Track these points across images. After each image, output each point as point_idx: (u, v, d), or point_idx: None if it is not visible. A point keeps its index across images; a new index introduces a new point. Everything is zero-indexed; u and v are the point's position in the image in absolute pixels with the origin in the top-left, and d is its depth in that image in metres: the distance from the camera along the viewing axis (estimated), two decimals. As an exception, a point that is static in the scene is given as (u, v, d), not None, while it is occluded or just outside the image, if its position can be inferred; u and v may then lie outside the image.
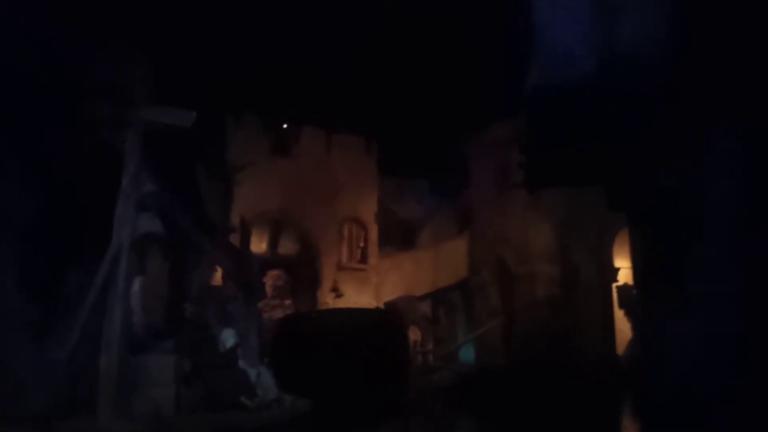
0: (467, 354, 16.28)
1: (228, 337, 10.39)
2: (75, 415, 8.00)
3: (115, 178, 8.56)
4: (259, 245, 18.26)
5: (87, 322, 7.97)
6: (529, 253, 14.94)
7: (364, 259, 20.06)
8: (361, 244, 20.10)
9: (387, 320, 9.02)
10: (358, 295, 19.11)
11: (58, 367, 7.81)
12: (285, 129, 19.71)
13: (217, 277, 13.75)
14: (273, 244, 18.68)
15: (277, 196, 18.13)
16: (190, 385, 9.34)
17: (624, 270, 14.32)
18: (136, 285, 8.71)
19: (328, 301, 18.52)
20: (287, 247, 18.96)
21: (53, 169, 8.71)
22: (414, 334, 18.12)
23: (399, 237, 20.79)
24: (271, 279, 17.38)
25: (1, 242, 8.64)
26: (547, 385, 10.77)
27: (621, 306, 14.82)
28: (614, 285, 14.82)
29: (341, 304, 18.08)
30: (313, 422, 9.05)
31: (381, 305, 18.60)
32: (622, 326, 14.36)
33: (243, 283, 12.04)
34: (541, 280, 14.69)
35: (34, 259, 8.77)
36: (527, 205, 14.63)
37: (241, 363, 10.57)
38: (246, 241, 16.33)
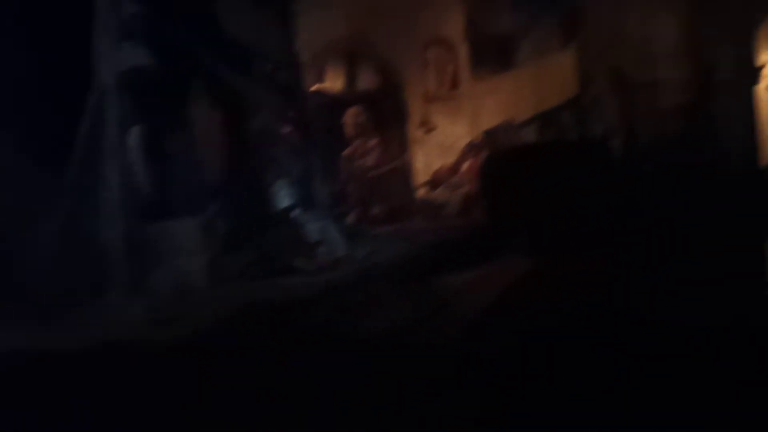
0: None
1: (279, 190, 8.79)
2: (92, 301, 6.77)
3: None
4: (334, 82, 16.24)
5: (80, 189, 6.51)
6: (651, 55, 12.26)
7: (454, 86, 17.62)
8: (450, 68, 17.60)
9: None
10: (451, 126, 16.91)
11: (53, 245, 6.49)
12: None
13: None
14: (350, 79, 16.58)
15: (345, 20, 15.79)
16: (233, 250, 7.92)
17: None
18: (135, 136, 7.08)
19: (417, 136, 16.59)
20: (366, 80, 16.82)
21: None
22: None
23: (493, 57, 18.05)
24: (350, 117, 15.47)
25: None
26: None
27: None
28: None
29: (433, 138, 16.09)
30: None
31: (478, 136, 16.46)
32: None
33: (300, 125, 10.27)
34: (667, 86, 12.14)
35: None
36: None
37: (301, 218, 9.01)
38: (300, 77, 14.35)
